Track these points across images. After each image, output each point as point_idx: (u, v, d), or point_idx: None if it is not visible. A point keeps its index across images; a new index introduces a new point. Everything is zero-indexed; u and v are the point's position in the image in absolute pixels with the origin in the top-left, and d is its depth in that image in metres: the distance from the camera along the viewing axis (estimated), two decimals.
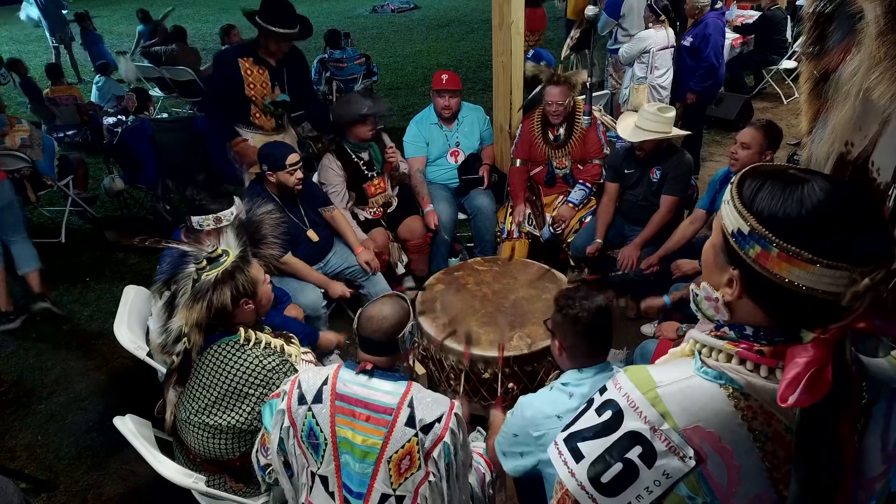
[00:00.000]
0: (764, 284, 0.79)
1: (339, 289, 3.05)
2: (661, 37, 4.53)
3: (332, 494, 1.63)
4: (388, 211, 3.58)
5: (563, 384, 1.67)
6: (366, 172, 3.44)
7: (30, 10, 7.26)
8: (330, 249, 3.20)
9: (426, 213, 3.55)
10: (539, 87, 3.57)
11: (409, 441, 1.53)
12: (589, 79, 3.32)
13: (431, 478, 1.54)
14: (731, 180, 0.84)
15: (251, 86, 3.34)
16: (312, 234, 3.08)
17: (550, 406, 1.63)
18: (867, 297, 0.71)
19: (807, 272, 0.74)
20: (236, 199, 2.51)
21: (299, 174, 2.92)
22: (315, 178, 3.46)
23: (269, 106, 3.39)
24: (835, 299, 0.74)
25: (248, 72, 3.31)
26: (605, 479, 0.80)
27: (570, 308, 1.68)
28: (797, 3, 7.67)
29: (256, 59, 3.33)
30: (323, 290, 3.01)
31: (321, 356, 2.72)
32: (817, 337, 0.75)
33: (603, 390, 0.87)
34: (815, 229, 0.75)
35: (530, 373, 2.52)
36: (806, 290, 0.75)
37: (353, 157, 3.40)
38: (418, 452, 1.53)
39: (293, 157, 2.89)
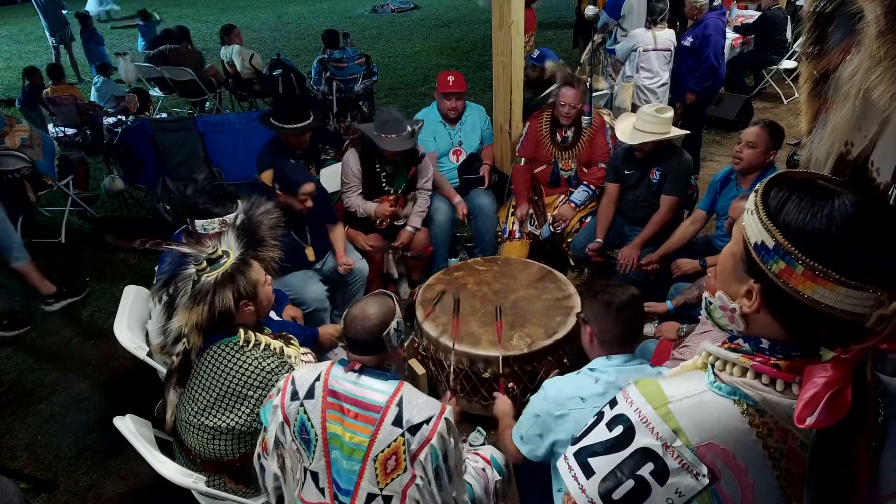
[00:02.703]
0: (785, 300, 0.76)
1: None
2: (647, 38, 4.56)
3: (322, 490, 1.63)
4: (396, 223, 3.51)
5: (590, 369, 1.69)
6: (384, 185, 3.38)
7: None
8: (326, 251, 3.20)
9: (456, 204, 3.60)
10: (551, 87, 3.56)
11: (395, 441, 1.53)
12: (588, 79, 3.32)
13: (419, 481, 1.54)
14: (756, 188, 0.80)
15: None
16: (310, 253, 3.05)
17: (575, 388, 1.64)
18: (894, 320, 0.69)
19: (832, 292, 0.72)
20: (239, 202, 2.41)
21: (309, 203, 2.85)
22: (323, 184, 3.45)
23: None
24: (858, 320, 0.72)
25: None
26: (616, 495, 0.79)
27: (604, 293, 1.74)
28: (797, 3, 7.66)
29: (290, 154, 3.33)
30: (327, 287, 3.07)
31: (323, 355, 2.70)
32: (837, 357, 0.73)
33: (613, 403, 0.85)
34: (843, 248, 0.71)
35: (530, 372, 2.52)
36: (829, 310, 0.73)
37: (377, 165, 3.33)
38: (404, 453, 1.53)
39: (308, 187, 2.82)
